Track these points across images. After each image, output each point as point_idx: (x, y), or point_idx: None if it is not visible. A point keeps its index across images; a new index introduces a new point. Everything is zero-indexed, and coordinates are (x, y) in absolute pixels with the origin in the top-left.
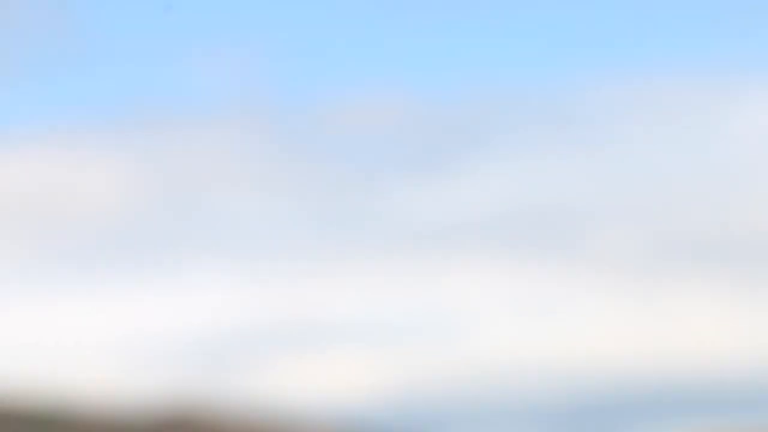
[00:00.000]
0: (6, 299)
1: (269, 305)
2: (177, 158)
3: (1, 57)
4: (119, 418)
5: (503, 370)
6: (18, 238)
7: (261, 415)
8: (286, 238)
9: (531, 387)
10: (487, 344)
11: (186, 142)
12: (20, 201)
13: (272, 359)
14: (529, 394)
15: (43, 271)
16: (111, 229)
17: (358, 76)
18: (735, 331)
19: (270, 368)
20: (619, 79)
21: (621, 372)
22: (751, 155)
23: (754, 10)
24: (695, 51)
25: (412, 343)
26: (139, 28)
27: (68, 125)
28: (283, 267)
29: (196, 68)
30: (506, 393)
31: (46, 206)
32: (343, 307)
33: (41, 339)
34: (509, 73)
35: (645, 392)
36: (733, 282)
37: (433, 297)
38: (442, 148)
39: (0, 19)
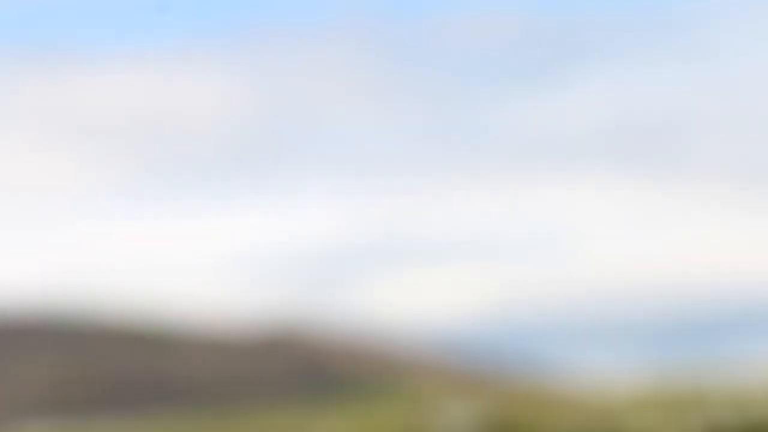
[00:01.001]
0: (117, 215)
1: (376, 221)
2: (287, 73)
3: None
4: (225, 336)
5: (611, 285)
6: (129, 154)
7: (366, 332)
8: (394, 152)
9: (638, 303)
10: (594, 259)
11: (296, 56)
12: (133, 117)
13: (377, 276)
14: (636, 310)
15: (154, 187)
16: (219, 144)
17: None
18: None
19: (375, 285)
20: None
21: (731, 285)
22: None
23: None
24: None
25: (519, 259)
26: None
27: (179, 42)
28: (390, 181)
29: None
30: (614, 309)
31: (158, 122)
32: (450, 224)
33: (150, 255)
34: None
35: (755, 306)
36: None
37: (540, 211)
38: (550, 61)
39: None
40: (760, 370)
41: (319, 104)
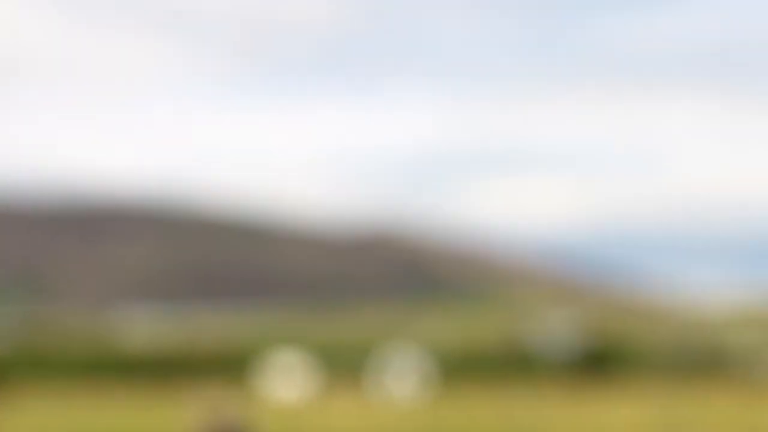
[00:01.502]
0: (222, 108)
1: (474, 128)
2: None
3: None
4: (324, 233)
5: (704, 201)
6: (232, 49)
7: (465, 236)
8: (495, 62)
9: (738, 220)
10: (689, 175)
11: None
12: (242, 9)
13: (477, 181)
14: (736, 227)
15: (260, 82)
16: (324, 45)
17: None
18: None
19: (475, 190)
20: None
21: None
22: None
23: None
24: None
25: (615, 172)
26: None
27: None
28: (493, 89)
29: None
30: (714, 225)
31: (266, 17)
32: (547, 134)
33: (252, 150)
34: None
35: None
36: None
37: (637, 126)
38: None
39: None
40: None
41: (422, 12)
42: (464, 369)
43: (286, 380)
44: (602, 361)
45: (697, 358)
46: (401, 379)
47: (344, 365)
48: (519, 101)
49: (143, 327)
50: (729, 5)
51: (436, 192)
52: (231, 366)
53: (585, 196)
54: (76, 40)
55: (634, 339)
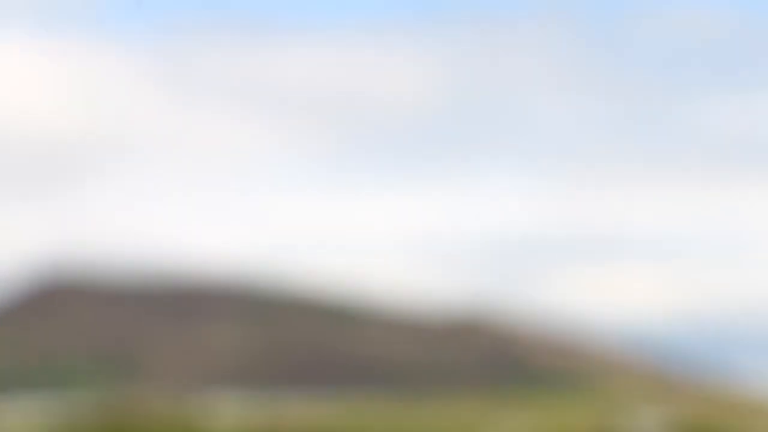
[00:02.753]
0: (311, 191)
1: (565, 213)
2: (485, 58)
3: None
4: (414, 319)
5: None
6: (321, 131)
7: (550, 324)
8: (587, 145)
9: None
10: None
11: (491, 43)
12: (329, 94)
13: (563, 268)
14: None
15: (348, 165)
16: (413, 126)
17: None
18: None
19: (561, 277)
20: None
21: None
22: None
23: None
24: None
25: (707, 260)
26: None
27: (380, 20)
28: (580, 174)
29: None
30: None
31: (351, 100)
32: (638, 220)
33: (341, 231)
34: None
35: None
36: None
37: (730, 214)
38: (754, 65)
39: None
40: None
41: (514, 92)
42: None
43: None
44: None
45: None
46: None
47: None
48: (611, 185)
49: (230, 412)
50: None
51: (526, 278)
52: None
53: (680, 285)
54: (170, 121)
55: None
